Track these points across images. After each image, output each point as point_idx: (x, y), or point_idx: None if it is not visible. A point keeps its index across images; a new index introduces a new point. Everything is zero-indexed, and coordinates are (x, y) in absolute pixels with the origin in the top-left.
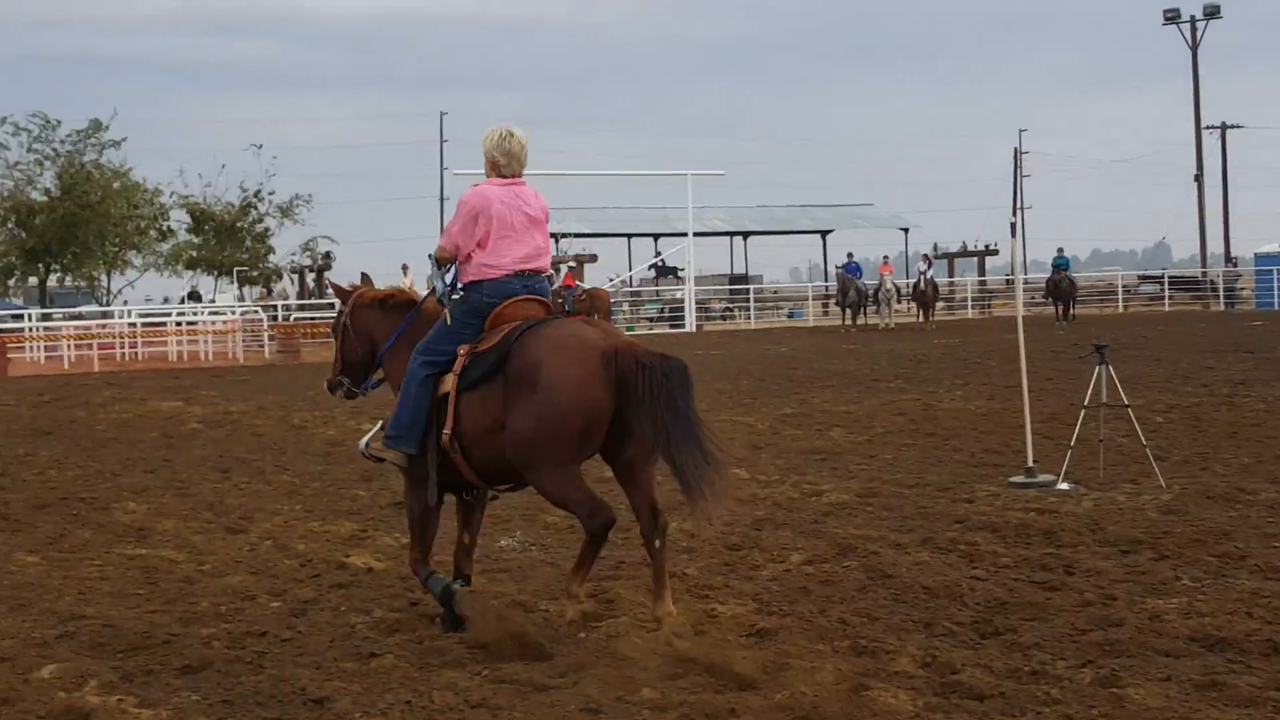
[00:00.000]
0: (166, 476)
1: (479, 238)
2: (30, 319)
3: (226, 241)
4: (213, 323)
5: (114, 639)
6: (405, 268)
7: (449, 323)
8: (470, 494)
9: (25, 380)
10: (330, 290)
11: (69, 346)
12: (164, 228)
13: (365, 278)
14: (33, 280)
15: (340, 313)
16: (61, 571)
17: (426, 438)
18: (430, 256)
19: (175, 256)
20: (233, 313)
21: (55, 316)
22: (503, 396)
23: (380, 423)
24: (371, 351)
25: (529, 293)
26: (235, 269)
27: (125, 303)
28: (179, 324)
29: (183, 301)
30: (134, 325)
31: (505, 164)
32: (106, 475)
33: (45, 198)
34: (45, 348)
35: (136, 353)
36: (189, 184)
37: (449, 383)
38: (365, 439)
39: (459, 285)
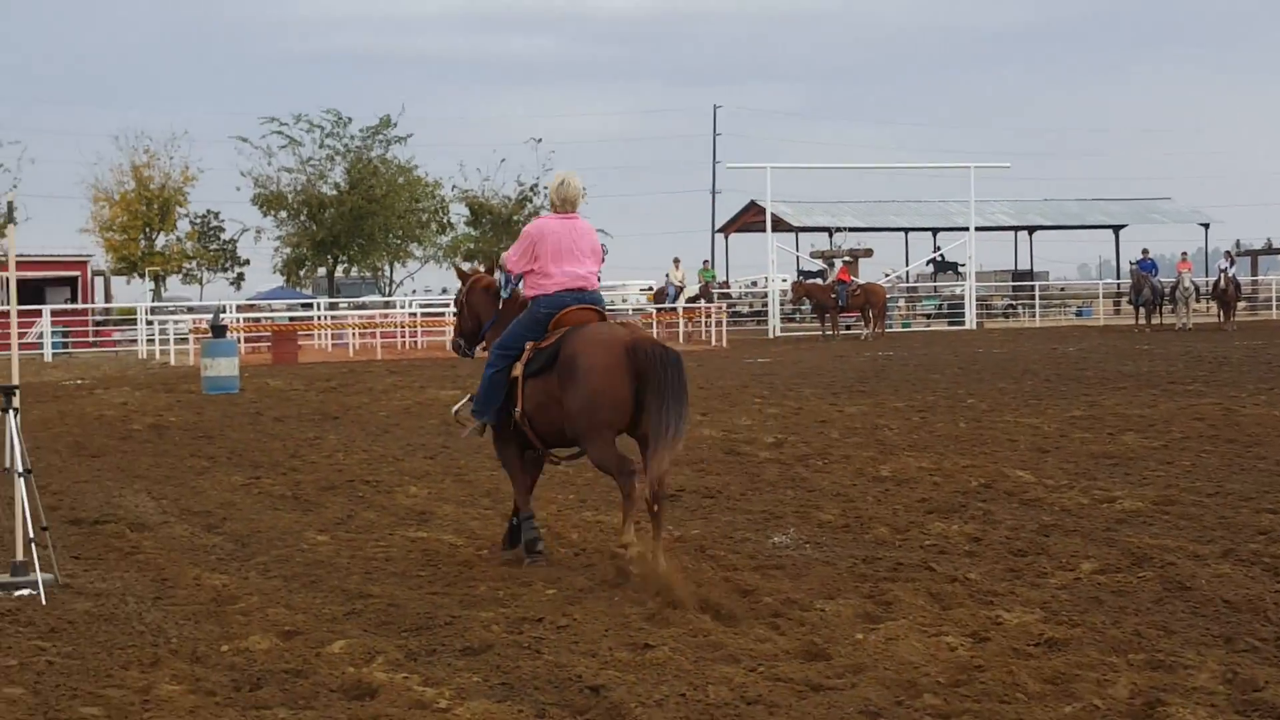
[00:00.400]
0: (445, 463)
1: (535, 261)
2: (319, 308)
3: (503, 234)
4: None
5: (399, 618)
6: (677, 261)
7: (519, 324)
8: (537, 453)
9: (314, 367)
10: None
11: (354, 335)
12: (444, 221)
13: (481, 269)
14: (321, 271)
15: (459, 291)
16: (349, 551)
17: (502, 410)
18: (500, 265)
19: (454, 248)
20: None
21: (341, 306)
22: (556, 383)
23: (469, 395)
24: (477, 325)
25: (580, 303)
26: None
27: (413, 291)
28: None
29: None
30: (414, 315)
31: (560, 204)
32: (389, 460)
33: (335, 192)
34: (332, 336)
35: (416, 341)
36: (468, 178)
37: (518, 369)
38: (456, 406)
39: (525, 295)
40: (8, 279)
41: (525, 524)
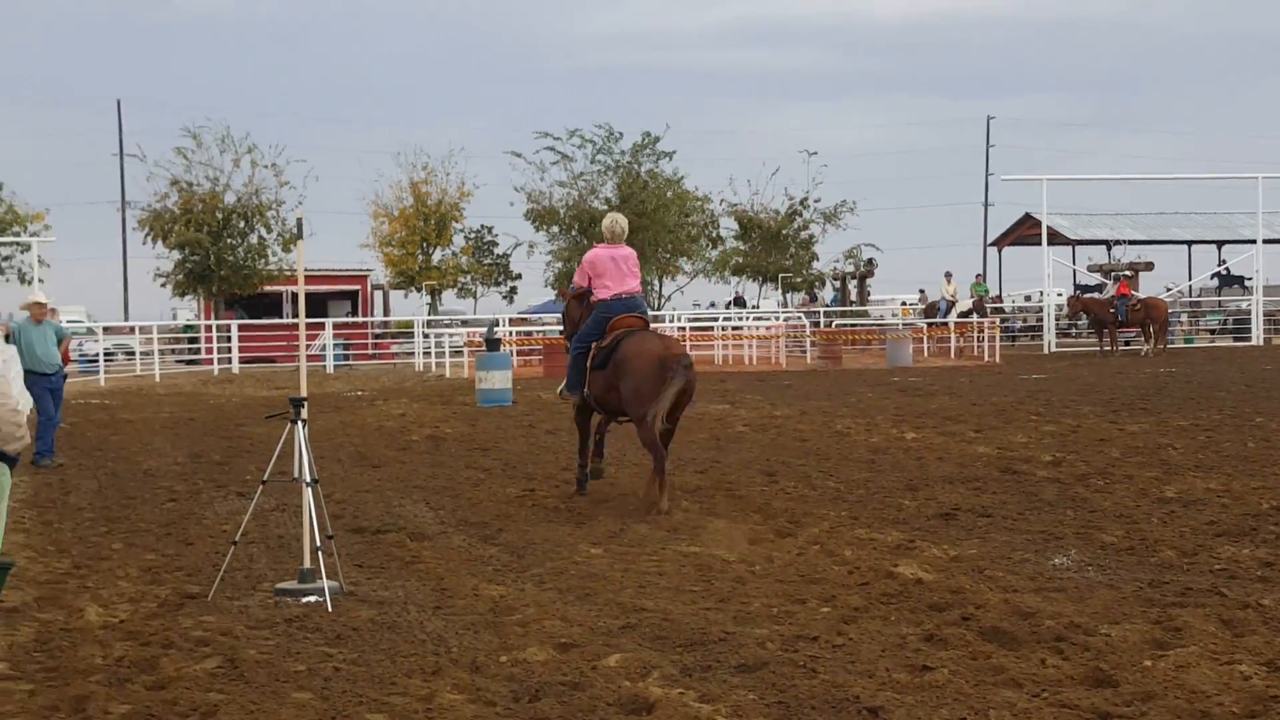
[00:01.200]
0: (716, 477)
1: (593, 278)
2: None
3: (772, 248)
4: (757, 328)
5: (673, 633)
6: (949, 275)
7: (589, 324)
8: (602, 422)
9: None
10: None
11: None
12: (714, 235)
13: (570, 290)
14: None
15: (567, 302)
16: (623, 565)
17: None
18: (571, 285)
19: (722, 262)
20: (776, 319)
21: None
22: (614, 375)
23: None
24: (574, 327)
25: (627, 310)
26: (779, 275)
27: (675, 307)
28: (724, 329)
29: (728, 306)
30: (683, 329)
31: (610, 237)
32: None
33: (605, 206)
34: None
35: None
36: (737, 191)
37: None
38: (560, 387)
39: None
40: (296, 293)
41: (581, 469)
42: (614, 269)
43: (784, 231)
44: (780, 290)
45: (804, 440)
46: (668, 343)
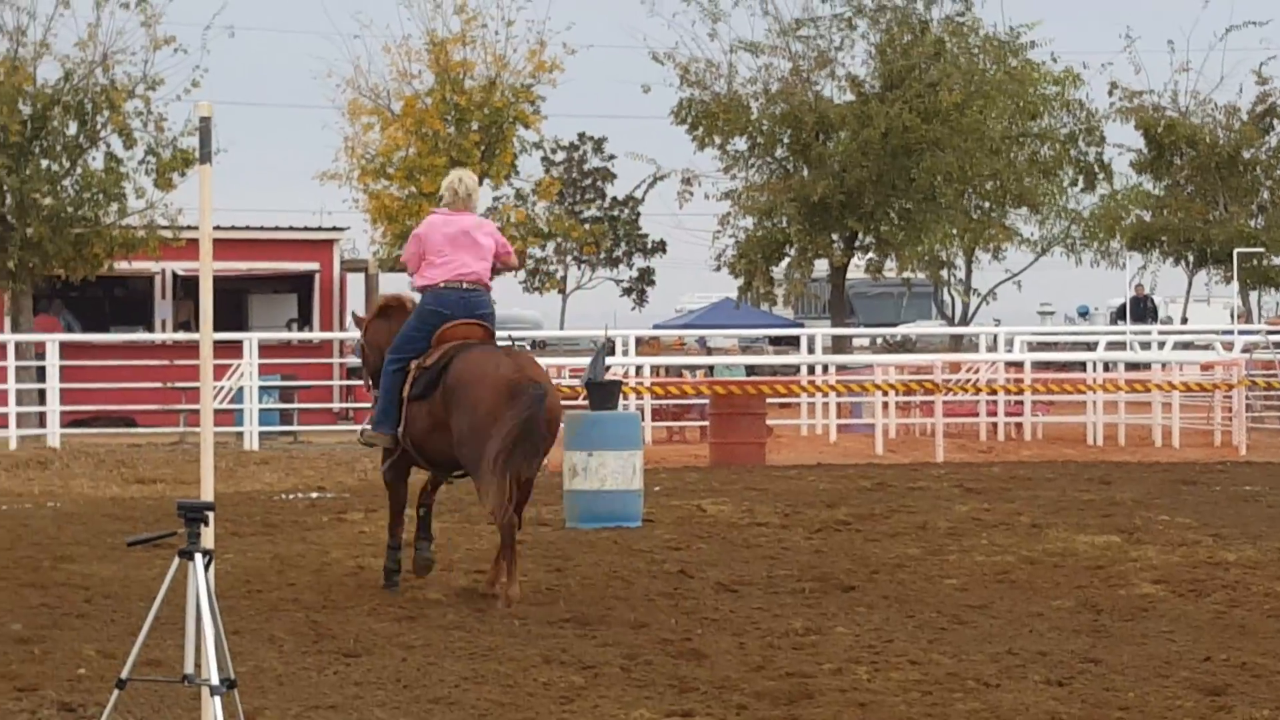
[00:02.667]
0: (1092, 694)
1: (422, 258)
2: (809, 347)
3: (1219, 190)
4: (1181, 367)
5: None
6: None
7: (407, 329)
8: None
9: (787, 474)
10: None
11: (886, 406)
12: (1093, 160)
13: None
14: (820, 266)
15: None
16: None
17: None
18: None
19: (1109, 222)
20: (1227, 347)
21: (854, 346)
22: (442, 407)
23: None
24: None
25: (466, 312)
26: (1237, 251)
27: (998, 321)
28: (1107, 369)
29: (1116, 319)
30: (1017, 368)
31: (451, 199)
32: (971, 685)
33: (850, 97)
34: (824, 403)
35: (1021, 424)
36: (1141, 68)
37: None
38: (363, 427)
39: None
40: (186, 277)
41: (390, 551)
42: (449, 245)
43: (1247, 154)
44: (1237, 284)
45: None
46: (519, 361)
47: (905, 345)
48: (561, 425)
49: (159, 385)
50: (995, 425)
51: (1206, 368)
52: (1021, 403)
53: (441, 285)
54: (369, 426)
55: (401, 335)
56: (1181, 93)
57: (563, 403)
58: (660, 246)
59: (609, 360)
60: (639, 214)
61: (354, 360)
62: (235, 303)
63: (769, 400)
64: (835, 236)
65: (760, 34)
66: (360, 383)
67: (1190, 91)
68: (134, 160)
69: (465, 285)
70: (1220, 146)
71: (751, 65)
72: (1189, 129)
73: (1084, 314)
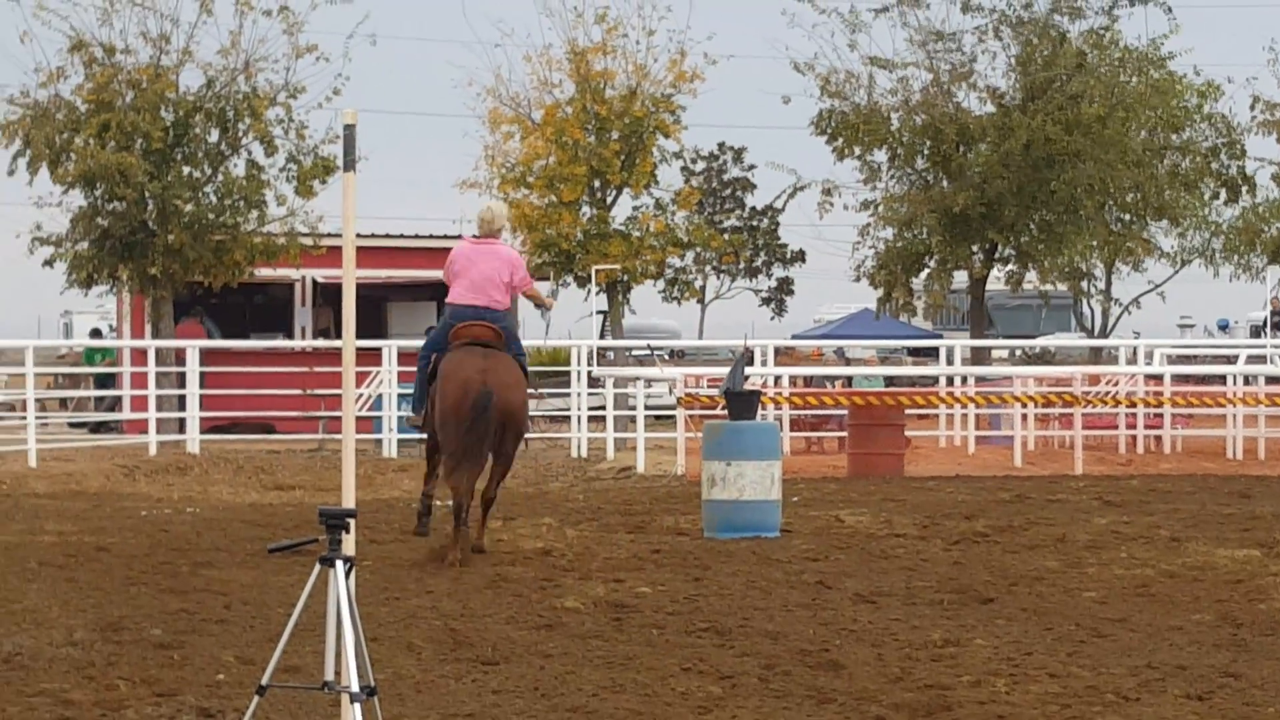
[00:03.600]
0: (1235, 710)
1: (452, 277)
2: (948, 358)
3: None
4: None
5: None
6: None
7: (436, 330)
8: None
9: (931, 485)
10: None
11: (1027, 418)
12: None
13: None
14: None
15: None
16: None
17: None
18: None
19: (1250, 234)
20: None
21: (994, 358)
22: (434, 396)
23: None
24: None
25: (476, 316)
26: None
27: (1138, 334)
28: (1254, 383)
29: (1259, 332)
30: (1158, 381)
31: (481, 227)
32: (1110, 698)
33: (990, 109)
34: (964, 416)
35: (1160, 438)
36: None
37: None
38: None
39: None
40: (327, 284)
41: (423, 500)
42: (471, 269)
43: None
44: None
45: None
46: (487, 364)
47: (1044, 357)
48: (700, 434)
49: (298, 392)
50: (1134, 438)
51: None
52: (1161, 416)
53: (460, 304)
54: (411, 407)
55: (431, 336)
56: None
57: (702, 413)
58: (799, 256)
59: (748, 370)
60: (778, 224)
61: None
62: (375, 310)
63: (907, 411)
64: (975, 248)
65: (900, 44)
66: None
67: None
68: (275, 167)
69: (479, 305)
70: None
71: (890, 77)
72: None
73: (1224, 327)
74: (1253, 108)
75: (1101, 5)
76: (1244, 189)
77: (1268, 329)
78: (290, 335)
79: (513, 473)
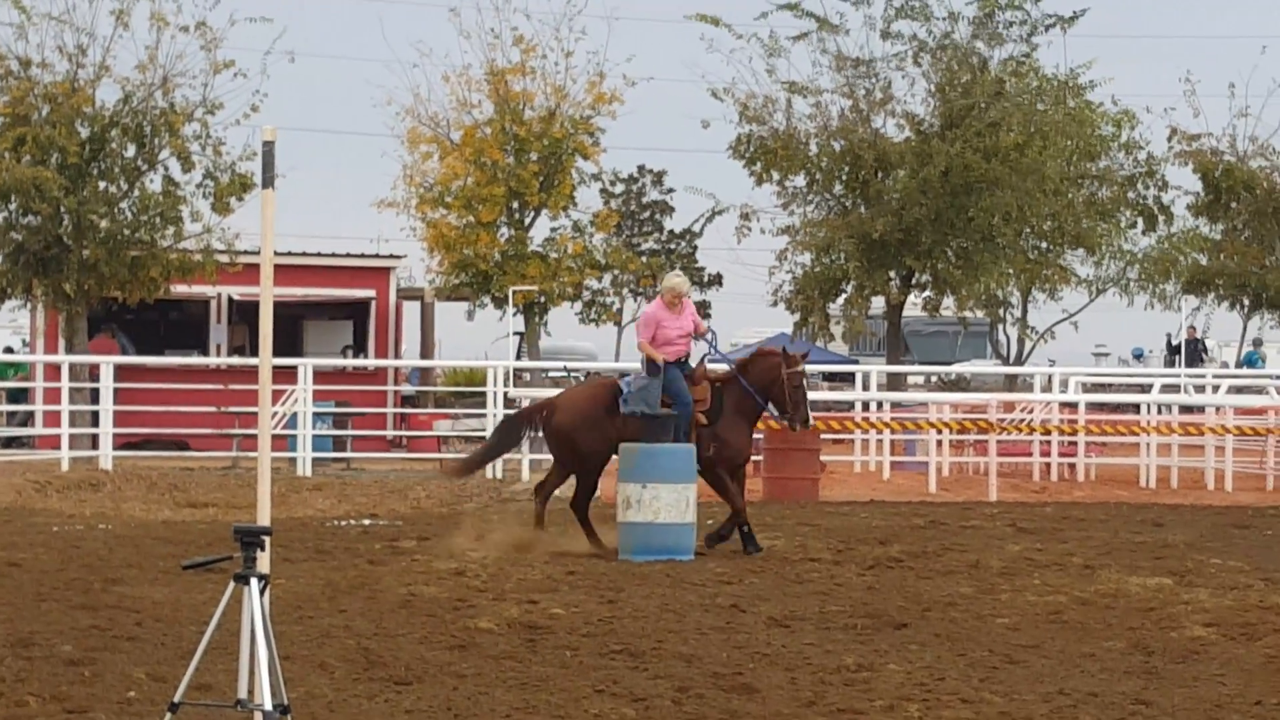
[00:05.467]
0: None
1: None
2: (865, 383)
3: (1278, 235)
4: (1235, 410)
5: None
6: None
7: None
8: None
9: (848, 510)
10: None
11: (940, 444)
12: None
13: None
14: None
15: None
16: None
17: None
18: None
19: (1165, 265)
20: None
21: (910, 383)
22: None
23: None
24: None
25: None
26: None
27: (1053, 362)
28: (1162, 411)
29: (1172, 360)
30: (1071, 409)
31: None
32: None
33: (910, 135)
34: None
35: (1074, 465)
36: (1199, 110)
37: None
38: None
39: None
40: (244, 302)
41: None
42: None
43: None
44: None
45: None
46: (565, 391)
47: (960, 384)
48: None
49: (213, 410)
50: (1049, 465)
51: (1260, 412)
52: (1075, 443)
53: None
54: None
55: None
56: (1240, 137)
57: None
58: (717, 280)
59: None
60: (696, 248)
61: (408, 388)
62: (291, 328)
63: (823, 436)
64: (892, 274)
65: (820, 71)
66: (410, 410)
67: (1249, 136)
68: (192, 184)
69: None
70: (1278, 192)
71: (808, 103)
72: (1247, 174)
73: (1138, 356)
74: (1170, 139)
75: (1021, 33)
76: (1160, 219)
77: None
78: (205, 352)
79: (427, 494)
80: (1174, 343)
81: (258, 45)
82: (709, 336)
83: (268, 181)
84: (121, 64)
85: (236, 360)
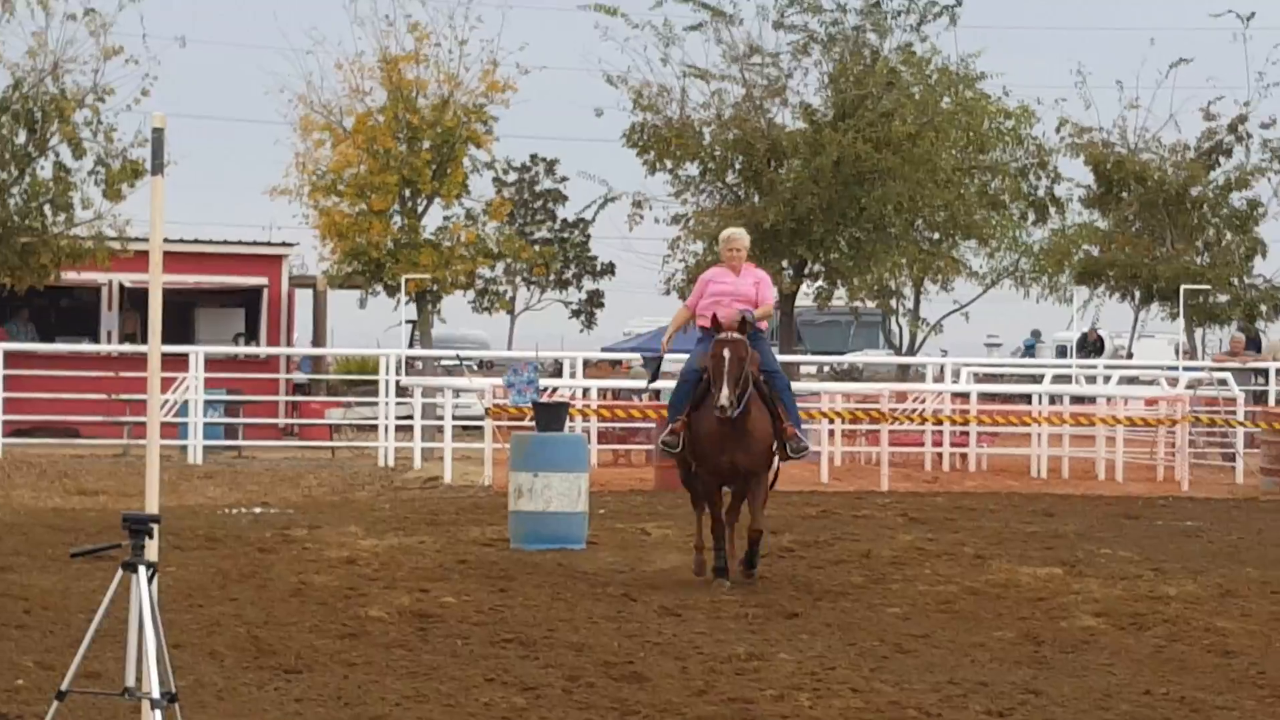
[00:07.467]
0: None
1: None
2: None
3: (1167, 228)
4: (1125, 401)
5: None
6: None
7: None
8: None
9: None
10: None
11: (834, 435)
12: (1041, 194)
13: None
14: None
15: None
16: None
17: None
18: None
19: (1058, 256)
20: (1172, 382)
21: (801, 374)
22: None
23: None
24: None
25: None
26: (1183, 288)
27: (945, 352)
28: (1054, 402)
29: (1069, 352)
30: (963, 399)
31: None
32: (912, 714)
33: (803, 125)
34: None
35: (966, 455)
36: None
37: None
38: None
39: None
40: (134, 289)
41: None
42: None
43: (1194, 191)
44: (1183, 320)
45: (1228, 654)
46: None
47: (852, 374)
48: (508, 445)
49: (103, 397)
50: (940, 455)
51: (1151, 403)
52: (967, 434)
53: None
54: None
55: None
56: (1130, 130)
57: (509, 423)
58: (609, 269)
59: (556, 383)
60: (589, 236)
61: (300, 376)
62: (182, 316)
63: None
64: (784, 264)
65: (715, 60)
66: (302, 399)
67: (1139, 129)
68: (83, 171)
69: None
70: (1168, 184)
71: (704, 91)
72: (1137, 166)
73: (1030, 347)
74: (1059, 129)
75: (910, 22)
76: (1052, 210)
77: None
78: (97, 339)
79: (319, 482)
80: (1083, 335)
81: (149, 31)
82: (750, 316)
83: (158, 168)
84: (11, 49)
85: (128, 347)
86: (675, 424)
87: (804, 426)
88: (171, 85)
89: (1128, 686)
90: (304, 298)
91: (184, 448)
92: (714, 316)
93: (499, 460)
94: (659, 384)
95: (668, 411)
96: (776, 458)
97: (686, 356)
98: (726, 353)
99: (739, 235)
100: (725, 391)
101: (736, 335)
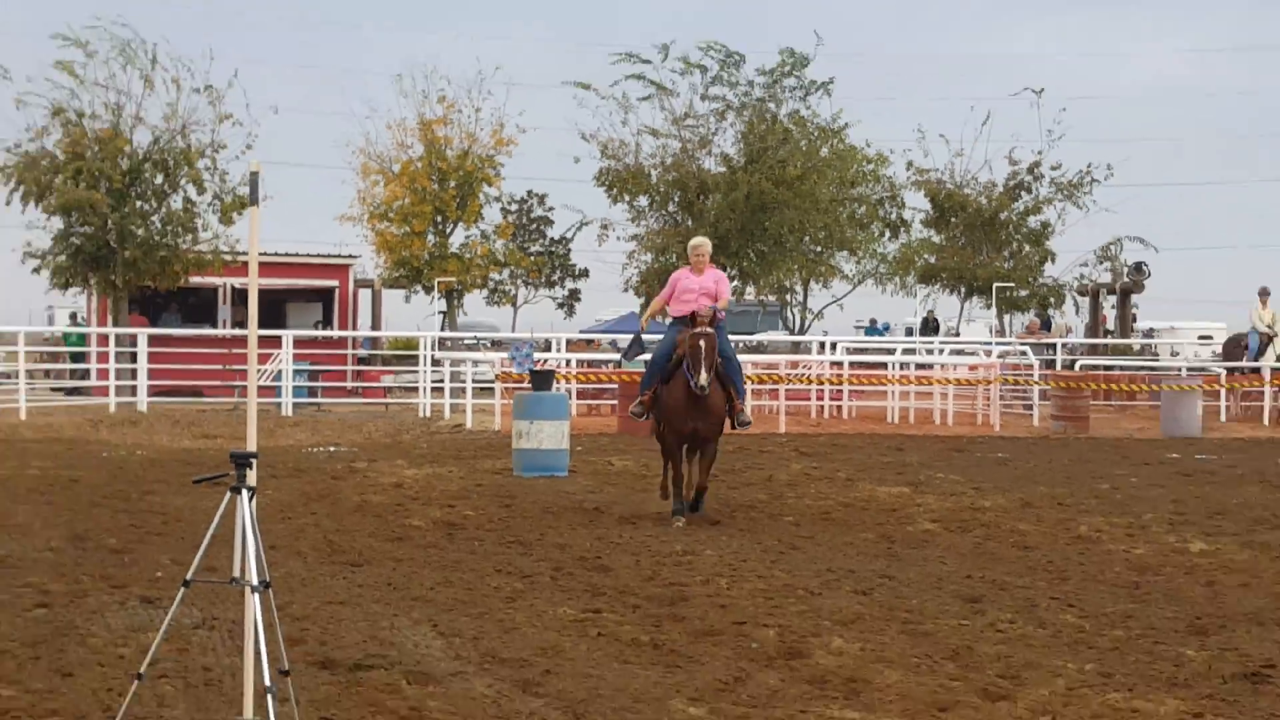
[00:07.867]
0: (886, 602)
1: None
2: None
3: (983, 241)
4: (954, 367)
5: None
6: (1264, 294)
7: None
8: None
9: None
10: (1113, 323)
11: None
12: (894, 218)
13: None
14: None
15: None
16: None
17: None
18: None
19: (905, 262)
20: (987, 353)
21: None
22: None
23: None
24: None
25: None
26: (995, 285)
27: (826, 332)
28: (903, 368)
29: (913, 332)
30: (838, 366)
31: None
32: (800, 593)
33: (722, 169)
34: None
35: (840, 407)
36: (929, 151)
37: None
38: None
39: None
40: (241, 289)
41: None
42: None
43: (1002, 215)
44: (995, 309)
45: (1027, 548)
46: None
47: (759, 349)
48: (511, 401)
49: (220, 367)
50: (822, 407)
51: (973, 368)
52: (841, 391)
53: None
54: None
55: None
56: (957, 171)
57: (513, 385)
58: (585, 274)
59: (546, 355)
60: (570, 250)
61: (362, 352)
62: (276, 309)
63: None
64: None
65: (660, 122)
66: (364, 368)
67: (963, 170)
68: (203, 203)
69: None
70: (983, 210)
71: (653, 144)
72: (961, 197)
73: (882, 330)
74: (907, 170)
75: (799, 94)
76: (901, 230)
77: (919, 330)
78: (215, 326)
79: (376, 429)
80: (924, 319)
81: (252, 100)
82: (718, 311)
83: (255, 201)
84: (152, 114)
85: (238, 331)
86: (644, 396)
87: None
88: (267, 140)
89: (956, 572)
90: (365, 295)
91: (278, 404)
92: (693, 314)
93: (505, 412)
94: (640, 358)
95: (640, 385)
96: (726, 424)
97: (660, 338)
98: (703, 343)
99: (703, 242)
100: (704, 375)
101: (709, 329)
